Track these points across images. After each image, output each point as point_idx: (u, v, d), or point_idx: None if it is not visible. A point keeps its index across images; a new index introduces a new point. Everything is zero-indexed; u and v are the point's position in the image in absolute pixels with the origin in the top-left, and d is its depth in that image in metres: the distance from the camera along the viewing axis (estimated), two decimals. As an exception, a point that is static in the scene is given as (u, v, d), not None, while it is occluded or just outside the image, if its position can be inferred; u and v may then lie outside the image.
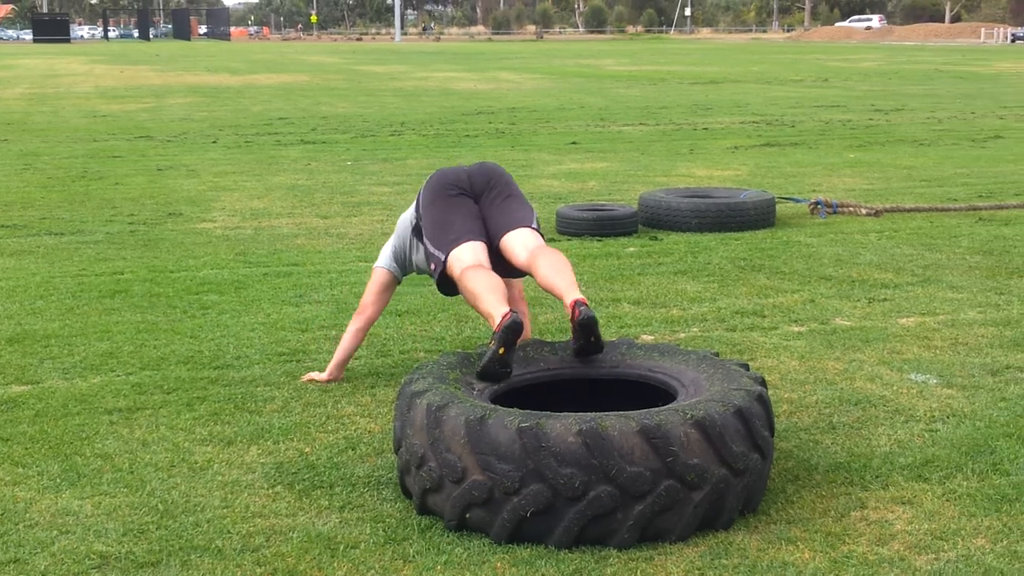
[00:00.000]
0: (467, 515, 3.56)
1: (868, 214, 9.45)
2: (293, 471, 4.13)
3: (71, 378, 5.24)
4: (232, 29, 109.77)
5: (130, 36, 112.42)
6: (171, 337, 5.90)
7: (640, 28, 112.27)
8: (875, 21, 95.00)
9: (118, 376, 5.26)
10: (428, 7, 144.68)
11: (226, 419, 4.68)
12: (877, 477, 4.03)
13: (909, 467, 4.11)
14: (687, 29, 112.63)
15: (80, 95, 26.20)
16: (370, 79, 32.83)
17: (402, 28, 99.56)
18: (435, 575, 3.37)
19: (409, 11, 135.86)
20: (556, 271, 4.35)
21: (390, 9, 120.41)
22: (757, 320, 6.20)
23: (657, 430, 3.45)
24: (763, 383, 3.90)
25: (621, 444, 3.43)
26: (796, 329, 6.02)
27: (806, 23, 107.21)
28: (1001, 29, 79.06)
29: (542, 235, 4.71)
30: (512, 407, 3.72)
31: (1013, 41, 72.70)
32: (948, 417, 4.64)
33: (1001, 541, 3.54)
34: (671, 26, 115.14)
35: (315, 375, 5.18)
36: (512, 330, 4.01)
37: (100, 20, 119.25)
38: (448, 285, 4.61)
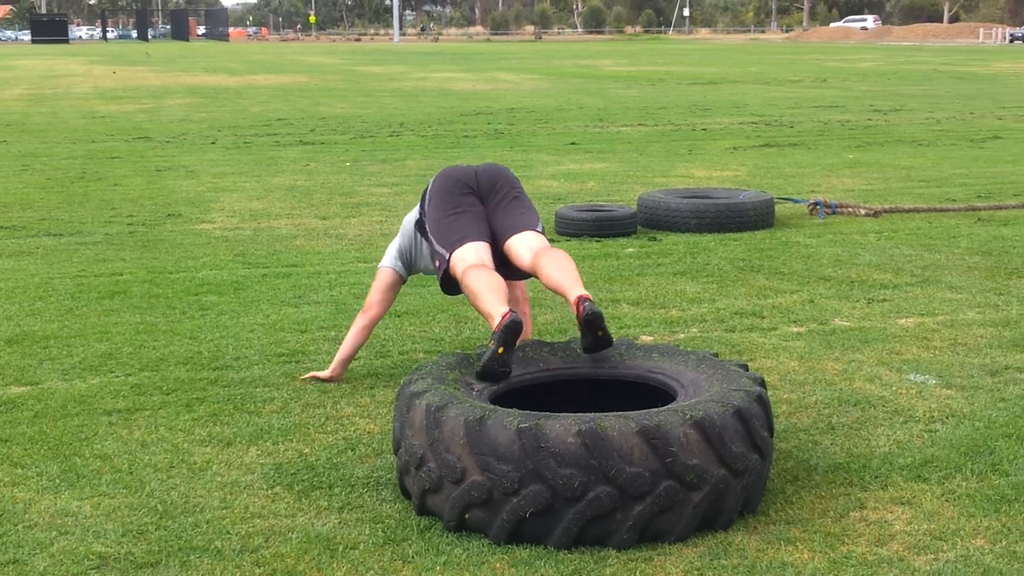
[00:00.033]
0: (466, 516, 3.56)
1: (867, 214, 9.46)
2: (292, 472, 4.13)
3: (70, 379, 5.24)
4: (230, 30, 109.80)
5: (129, 37, 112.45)
6: (170, 338, 5.90)
7: (638, 28, 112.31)
8: (869, 22, 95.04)
9: (117, 377, 5.26)
10: (427, 8, 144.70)
11: (225, 420, 4.68)
12: (876, 477, 4.03)
13: (908, 467, 4.11)
14: (685, 29, 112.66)
15: (79, 96, 26.20)
16: (369, 80, 32.84)
17: (400, 29, 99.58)
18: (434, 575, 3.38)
19: (408, 12, 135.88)
20: (560, 270, 4.36)
21: (388, 10, 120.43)
22: (756, 321, 6.20)
23: (656, 431, 3.46)
24: (762, 384, 3.91)
25: (620, 445, 3.43)
26: (795, 330, 6.03)
27: (804, 23, 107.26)
28: (999, 29, 79.10)
29: (546, 238, 4.71)
30: (511, 408, 3.72)
31: (1011, 41, 72.74)
32: (947, 417, 4.64)
33: (1000, 541, 3.54)
34: (669, 26, 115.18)
35: (318, 373, 5.19)
36: (511, 329, 4.01)
37: (98, 21, 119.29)
38: (451, 284, 4.62)
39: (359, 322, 5.17)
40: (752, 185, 11.25)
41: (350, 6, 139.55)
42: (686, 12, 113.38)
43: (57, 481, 4.06)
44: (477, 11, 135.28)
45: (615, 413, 3.55)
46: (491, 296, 4.19)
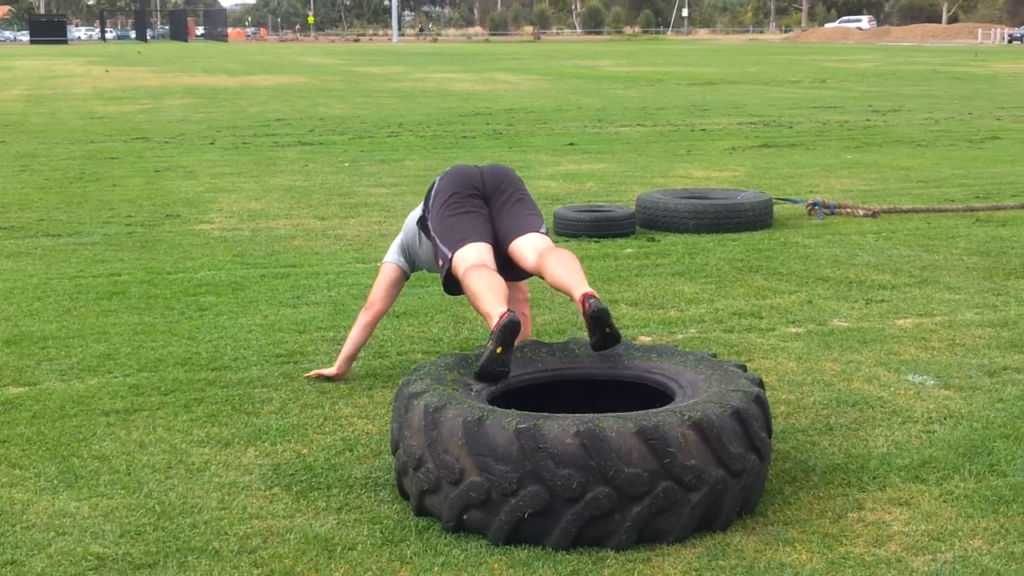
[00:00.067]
0: (465, 516, 3.56)
1: (865, 215, 9.46)
2: (290, 472, 4.13)
3: (68, 380, 5.24)
4: (229, 30, 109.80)
5: (127, 37, 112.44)
6: (168, 339, 5.90)
7: (637, 29, 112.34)
8: (864, 22, 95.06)
9: (115, 378, 5.26)
10: (425, 8, 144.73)
11: (223, 420, 4.68)
12: (874, 478, 4.03)
13: (906, 468, 4.11)
14: (684, 30, 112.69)
15: (77, 96, 26.19)
16: (367, 80, 32.84)
17: (399, 29, 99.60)
18: (433, 576, 3.38)
19: (406, 12, 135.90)
20: (565, 269, 4.36)
21: (387, 10, 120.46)
22: (755, 321, 6.20)
23: (655, 431, 3.46)
24: (761, 384, 3.91)
25: (619, 445, 3.43)
26: (794, 330, 6.03)
27: (803, 24, 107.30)
28: (998, 30, 79.14)
29: (550, 238, 4.71)
30: (510, 408, 3.72)
31: (1010, 42, 72.76)
32: (945, 418, 4.64)
33: (998, 542, 3.55)
34: (668, 27, 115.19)
35: (323, 371, 5.19)
36: (509, 329, 4.02)
37: (97, 21, 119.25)
38: (453, 284, 4.62)
39: (362, 319, 5.18)
40: (751, 185, 11.25)
41: (349, 7, 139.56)
42: (685, 12, 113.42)
43: (55, 482, 4.06)
44: (476, 12, 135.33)
45: (613, 414, 3.55)
46: (490, 296, 4.19)
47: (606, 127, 18.01)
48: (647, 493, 3.44)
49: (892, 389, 5.02)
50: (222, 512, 3.80)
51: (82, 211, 10.13)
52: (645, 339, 5.81)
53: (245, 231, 9.10)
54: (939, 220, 9.31)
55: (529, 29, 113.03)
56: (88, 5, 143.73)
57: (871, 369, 5.32)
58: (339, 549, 3.53)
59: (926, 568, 3.38)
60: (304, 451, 4.33)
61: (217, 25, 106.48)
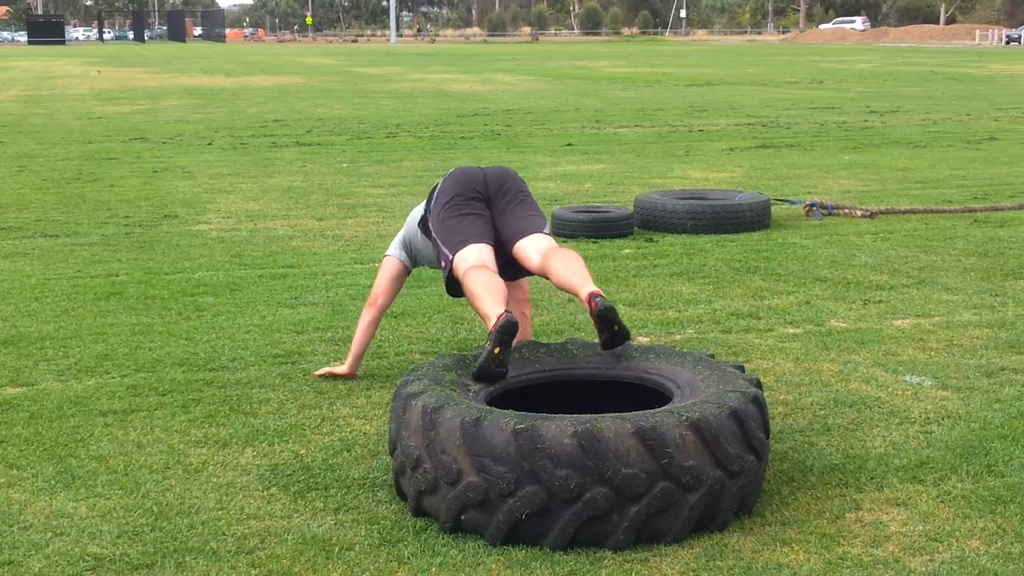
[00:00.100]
0: (462, 517, 3.56)
1: (863, 216, 9.46)
2: (288, 473, 4.12)
3: (66, 380, 5.24)
4: (227, 31, 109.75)
5: (125, 38, 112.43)
6: (166, 339, 5.90)
7: (635, 30, 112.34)
8: (858, 23, 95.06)
9: (113, 378, 5.26)
10: (423, 9, 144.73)
11: (221, 421, 4.68)
12: (872, 479, 4.04)
13: (904, 469, 4.12)
14: (682, 31, 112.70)
15: (75, 97, 26.18)
16: (365, 81, 32.83)
17: (397, 30, 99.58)
18: (430, 577, 3.38)
19: (404, 13, 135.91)
20: (570, 269, 4.37)
21: (385, 11, 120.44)
22: (752, 322, 6.20)
23: (653, 432, 3.46)
24: (758, 385, 3.91)
25: (616, 446, 3.43)
26: (791, 331, 6.03)
27: (801, 25, 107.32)
28: (995, 31, 79.19)
29: (553, 239, 4.72)
30: (508, 409, 3.72)
31: (1008, 43, 72.81)
32: (943, 419, 4.64)
33: (995, 543, 3.55)
34: (666, 28, 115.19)
35: (334, 368, 5.20)
36: (507, 329, 4.02)
37: (95, 22, 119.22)
38: (455, 286, 4.63)
39: (367, 316, 5.19)
40: (748, 186, 11.25)
41: (347, 7, 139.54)
42: (683, 13, 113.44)
43: (53, 482, 4.06)
44: (474, 12, 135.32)
45: (611, 414, 3.55)
46: (489, 297, 4.20)
47: (604, 128, 18.01)
48: (645, 493, 3.44)
49: (890, 390, 5.02)
50: (220, 512, 3.80)
51: (80, 211, 10.12)
52: (643, 339, 5.81)
53: (243, 232, 9.10)
54: (937, 221, 9.31)
55: (527, 30, 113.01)
56: (86, 6, 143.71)
57: (869, 370, 5.32)
58: (337, 549, 3.53)
59: (924, 568, 3.38)
60: (302, 451, 4.33)
61: (215, 26, 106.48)
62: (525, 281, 5.13)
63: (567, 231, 8.67)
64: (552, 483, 3.42)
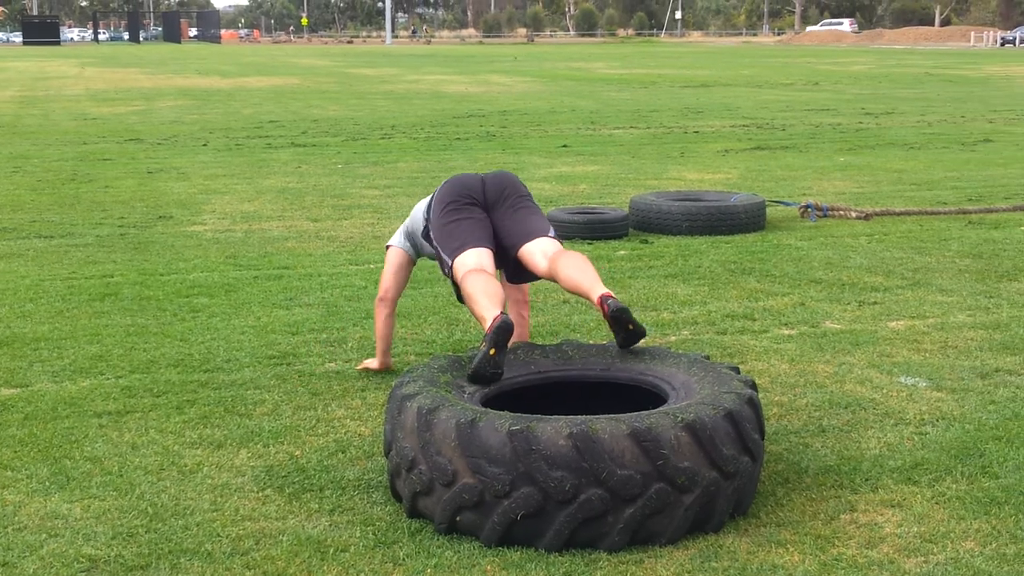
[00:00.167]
0: (457, 518, 3.56)
1: (858, 217, 9.48)
2: (283, 474, 4.12)
3: (60, 381, 5.23)
4: (222, 32, 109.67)
5: (120, 38, 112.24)
6: (161, 340, 5.89)
7: (630, 31, 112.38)
8: (845, 25, 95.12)
9: (108, 379, 5.25)
10: (419, 10, 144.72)
11: (216, 422, 4.68)
12: (867, 480, 4.04)
13: (899, 470, 4.12)
14: (677, 32, 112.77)
15: (70, 98, 26.15)
16: (361, 82, 32.82)
17: (393, 31, 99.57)
18: (425, 578, 3.38)
19: (400, 14, 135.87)
20: (579, 272, 4.37)
21: (381, 12, 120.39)
22: (747, 323, 6.20)
23: (648, 433, 3.46)
24: (753, 386, 3.91)
25: (612, 447, 3.43)
26: (786, 332, 6.03)
27: (796, 27, 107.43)
28: (990, 32, 79.31)
29: (559, 241, 4.71)
30: (503, 410, 3.72)
31: (1002, 44, 72.92)
32: (937, 420, 4.65)
33: (990, 544, 3.55)
34: (661, 29, 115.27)
35: (368, 364, 5.26)
36: (502, 331, 4.02)
37: (90, 22, 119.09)
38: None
39: (382, 311, 5.20)
40: (744, 188, 11.26)
41: (342, 8, 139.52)
42: (678, 15, 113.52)
43: (47, 483, 4.05)
44: (469, 14, 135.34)
45: (607, 416, 3.55)
46: (485, 300, 4.20)
47: (599, 129, 18.02)
48: (640, 495, 3.44)
49: (884, 391, 5.03)
50: (214, 514, 3.79)
51: (75, 212, 10.11)
52: (638, 341, 5.80)
53: (238, 233, 9.09)
54: (932, 222, 9.33)
55: (522, 31, 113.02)
56: (81, 6, 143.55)
57: (864, 371, 5.33)
58: (332, 551, 3.52)
59: (918, 570, 3.39)
60: (297, 453, 4.33)
61: (210, 27, 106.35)
62: (526, 283, 5.13)
63: (562, 233, 8.63)
64: (547, 484, 3.42)
